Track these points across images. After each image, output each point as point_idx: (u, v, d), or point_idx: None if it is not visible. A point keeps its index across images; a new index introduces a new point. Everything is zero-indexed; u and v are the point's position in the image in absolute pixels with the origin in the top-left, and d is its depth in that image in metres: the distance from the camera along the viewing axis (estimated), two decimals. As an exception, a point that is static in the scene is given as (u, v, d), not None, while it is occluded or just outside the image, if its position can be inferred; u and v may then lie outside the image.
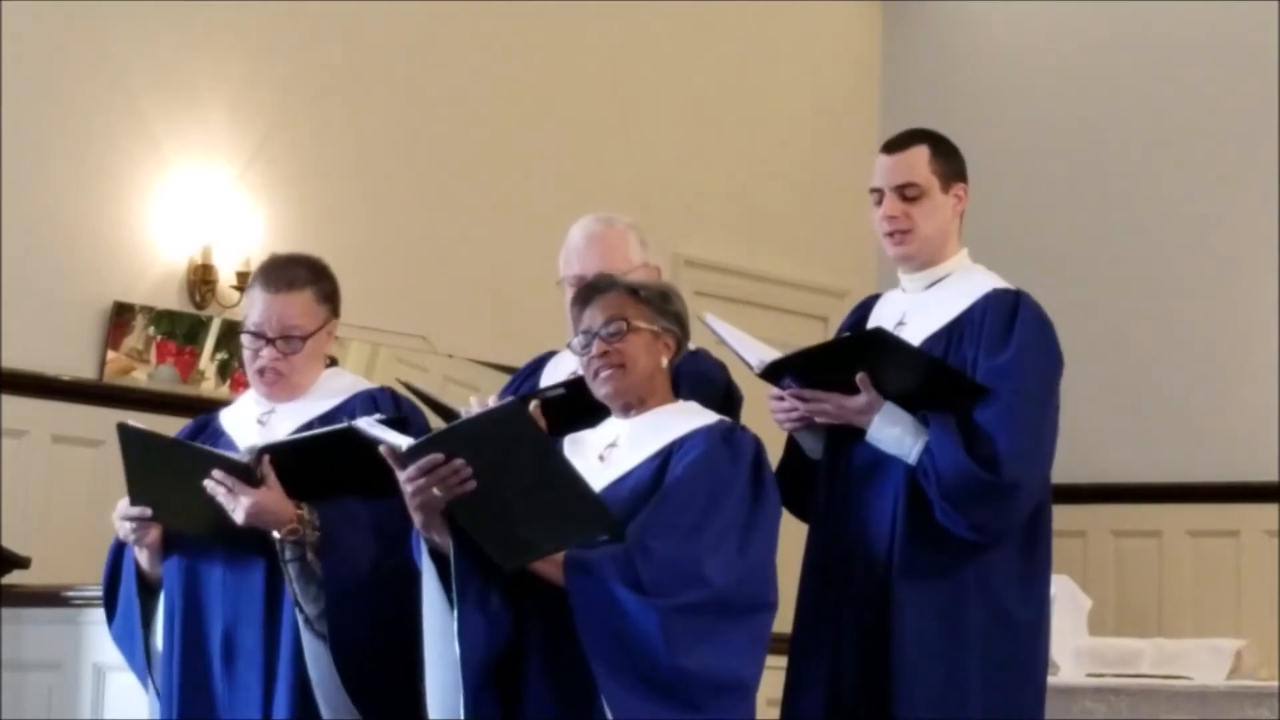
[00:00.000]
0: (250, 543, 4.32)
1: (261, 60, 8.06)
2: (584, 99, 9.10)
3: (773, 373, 4.42)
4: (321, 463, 4.27)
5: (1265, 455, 9.12)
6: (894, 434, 4.33)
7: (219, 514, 4.27)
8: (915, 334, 4.45)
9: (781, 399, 4.43)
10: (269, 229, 7.95)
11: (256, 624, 4.34)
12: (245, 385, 4.76)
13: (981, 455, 4.26)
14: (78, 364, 7.48)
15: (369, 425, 4.04)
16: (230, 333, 7.64)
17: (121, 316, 7.56)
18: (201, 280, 7.78)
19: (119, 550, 4.53)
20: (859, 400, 4.35)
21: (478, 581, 3.98)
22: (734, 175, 9.63)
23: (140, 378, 7.61)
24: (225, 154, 7.91)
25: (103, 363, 7.52)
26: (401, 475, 3.97)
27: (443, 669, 4.01)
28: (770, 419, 4.50)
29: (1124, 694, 6.73)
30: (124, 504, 4.42)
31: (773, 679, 4.32)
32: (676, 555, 3.94)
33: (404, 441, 3.96)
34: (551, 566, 3.96)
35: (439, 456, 3.92)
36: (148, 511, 4.38)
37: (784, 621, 4.27)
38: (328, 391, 4.53)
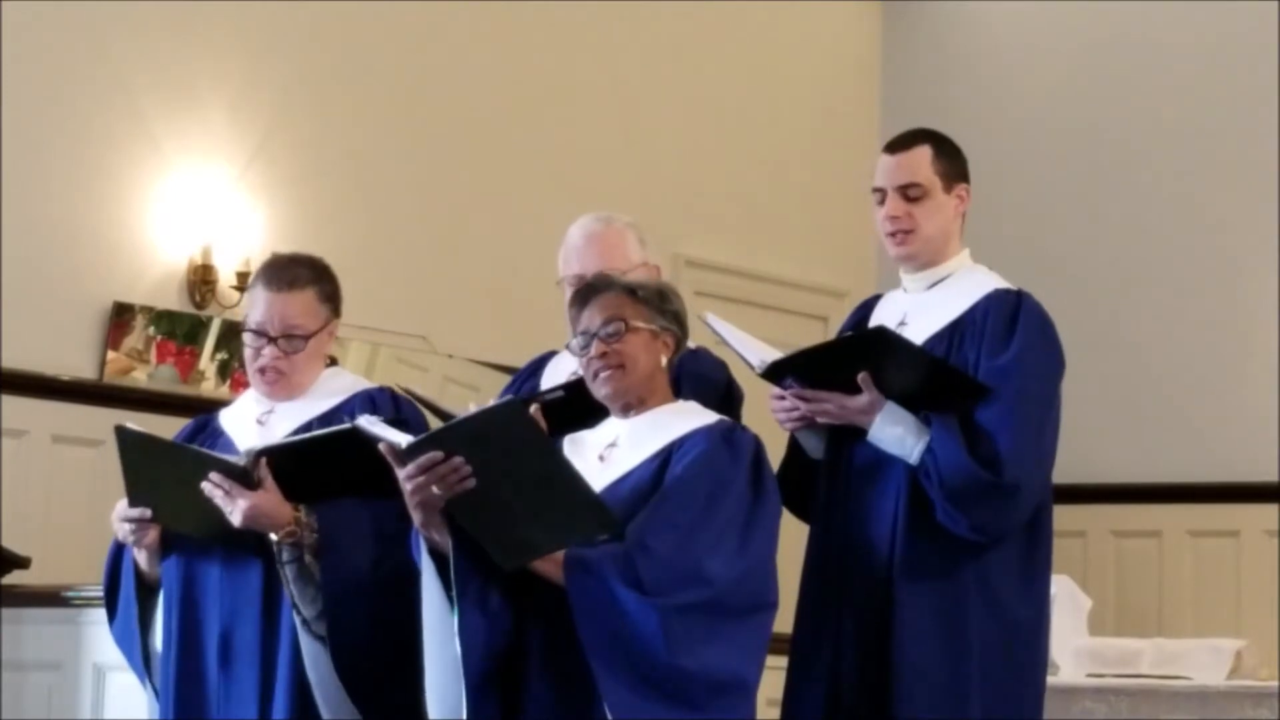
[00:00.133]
0: (248, 543, 4.32)
1: (261, 60, 8.06)
2: (584, 99, 9.10)
3: (774, 373, 4.42)
4: (320, 464, 4.27)
5: (1265, 455, 9.13)
6: (895, 433, 4.33)
7: (217, 516, 4.28)
8: (917, 334, 4.45)
9: (783, 399, 4.43)
10: (269, 229, 7.95)
11: (254, 624, 4.34)
12: (245, 385, 4.76)
13: (983, 455, 4.26)
14: (78, 364, 7.48)
15: (369, 423, 4.04)
16: (230, 333, 7.64)
17: (121, 316, 7.56)
18: (201, 280, 7.78)
19: (119, 551, 4.54)
20: (860, 400, 4.35)
21: (477, 580, 3.98)
22: (734, 175, 9.63)
23: (140, 378, 7.61)
24: (225, 154, 7.91)
25: (103, 363, 7.52)
26: (400, 473, 3.97)
27: (443, 668, 4.00)
28: (771, 418, 4.50)
29: (1124, 694, 6.73)
30: (122, 505, 4.42)
31: (773, 679, 4.32)
32: (676, 555, 3.94)
33: (403, 439, 3.96)
34: (551, 565, 3.96)
35: (438, 454, 3.92)
36: (147, 513, 4.38)
37: (784, 621, 4.27)
38: (328, 391, 4.53)
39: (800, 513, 4.54)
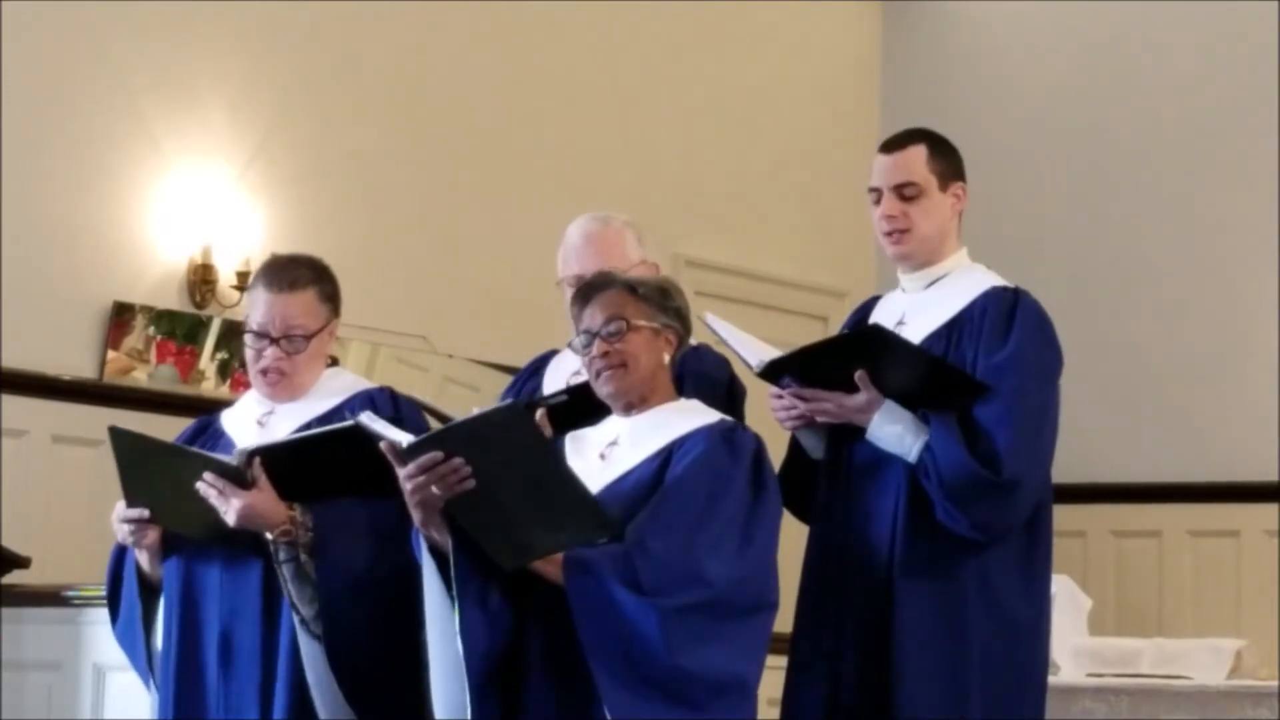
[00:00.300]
0: (247, 544, 4.32)
1: (261, 60, 8.06)
2: (584, 99, 9.10)
3: (772, 372, 4.42)
4: (316, 463, 4.27)
5: (1265, 455, 9.12)
6: (894, 431, 4.33)
7: (214, 516, 4.28)
8: (915, 333, 4.45)
9: (781, 398, 4.43)
10: (269, 229, 7.95)
11: (254, 624, 4.34)
12: (245, 385, 4.76)
13: (982, 453, 4.26)
14: (78, 364, 7.48)
15: (370, 421, 4.04)
16: (230, 333, 7.64)
17: (121, 316, 7.55)
18: (201, 280, 7.77)
19: (121, 552, 4.54)
20: (859, 398, 4.35)
21: (477, 579, 3.98)
22: (734, 175, 9.63)
23: (140, 378, 7.61)
24: (225, 154, 7.91)
25: (103, 363, 7.52)
26: (401, 472, 3.97)
27: (446, 667, 4.00)
28: (772, 417, 4.50)
29: (1124, 694, 6.73)
30: (121, 506, 4.43)
31: (773, 679, 4.32)
32: (676, 555, 3.93)
33: (404, 438, 3.96)
34: (551, 566, 3.96)
35: (438, 455, 3.92)
36: (145, 513, 4.38)
37: (784, 621, 4.27)
38: (328, 391, 4.53)
39: (800, 513, 4.54)
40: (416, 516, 4.00)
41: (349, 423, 4.20)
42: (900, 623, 4.31)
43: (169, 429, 4.80)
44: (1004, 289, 4.48)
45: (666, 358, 4.21)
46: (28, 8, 7.37)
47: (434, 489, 3.94)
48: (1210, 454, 9.35)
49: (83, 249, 7.51)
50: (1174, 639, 7.24)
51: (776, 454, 4.31)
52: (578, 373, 4.55)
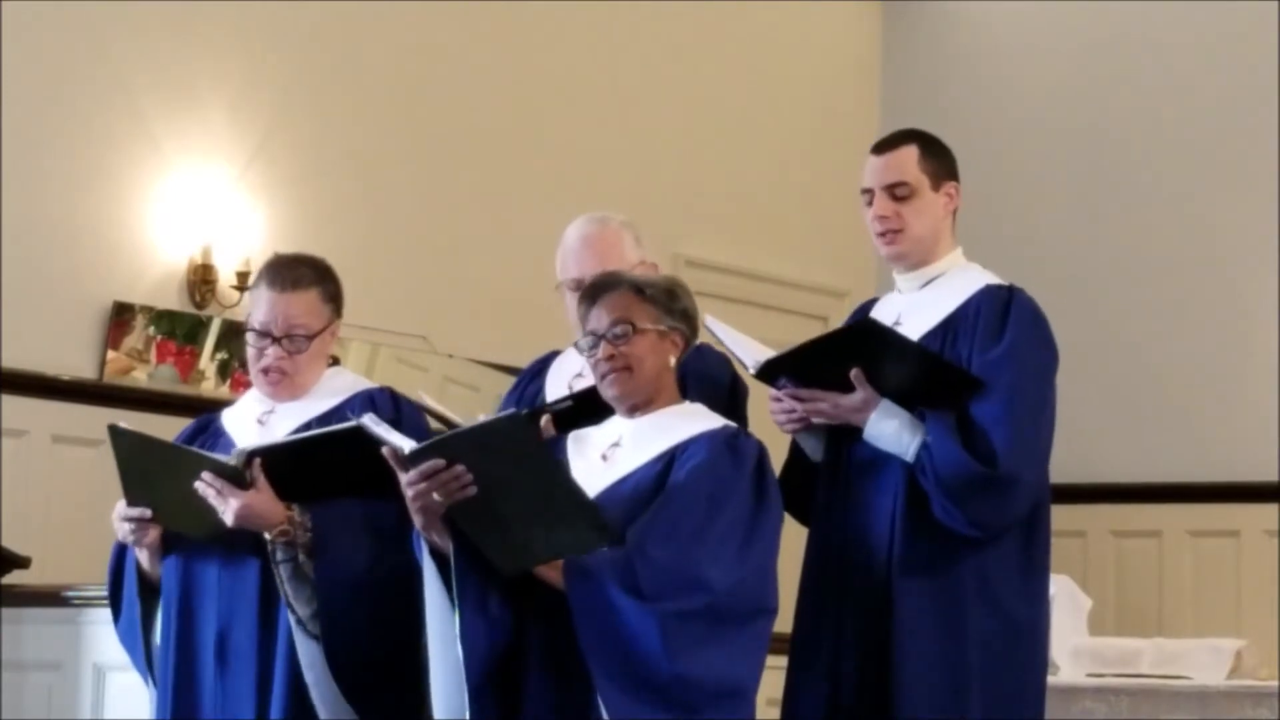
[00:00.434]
0: (247, 543, 4.32)
1: (261, 60, 8.06)
2: (583, 98, 9.10)
3: (768, 372, 4.43)
4: (316, 464, 4.27)
5: (1265, 455, 9.13)
6: (891, 428, 4.33)
7: (213, 516, 4.28)
8: (910, 333, 4.45)
9: (779, 401, 4.44)
10: (269, 229, 7.95)
11: (251, 624, 4.34)
12: (245, 385, 4.77)
13: (979, 450, 4.26)
14: (78, 364, 7.48)
15: (374, 423, 4.05)
16: (230, 333, 7.64)
17: (121, 316, 7.56)
18: (201, 280, 7.78)
19: (122, 550, 4.54)
20: (855, 398, 4.35)
21: (478, 583, 3.98)
22: (734, 175, 9.63)
23: (140, 378, 7.61)
24: (225, 154, 7.91)
25: (103, 363, 7.52)
26: (403, 478, 3.97)
27: (446, 669, 4.01)
28: (772, 421, 4.50)
29: (1124, 694, 6.73)
30: (122, 505, 4.43)
31: (773, 679, 4.32)
32: (677, 561, 3.93)
33: (407, 444, 3.97)
34: (552, 571, 3.96)
35: (440, 462, 3.92)
36: (146, 512, 4.38)
37: (784, 621, 4.27)
38: (329, 391, 4.53)
39: (801, 517, 4.53)
40: (418, 521, 4.00)
41: (348, 424, 4.20)
42: (900, 622, 4.31)
43: (169, 429, 4.80)
44: (998, 287, 4.49)
45: (672, 360, 4.20)
46: (28, 8, 7.38)
47: (436, 496, 3.94)
48: (1210, 454, 9.35)
49: (83, 249, 7.51)
50: (1174, 639, 7.24)
51: (777, 457, 4.31)
52: (580, 374, 4.55)
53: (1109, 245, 9.69)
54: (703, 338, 4.52)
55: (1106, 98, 9.77)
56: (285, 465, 4.27)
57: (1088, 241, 9.73)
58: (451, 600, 3.99)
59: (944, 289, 4.51)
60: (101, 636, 5.65)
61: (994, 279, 4.52)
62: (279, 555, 4.27)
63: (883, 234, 4.51)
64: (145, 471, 4.36)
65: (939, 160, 4.52)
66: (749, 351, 4.45)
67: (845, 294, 9.50)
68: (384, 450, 3.98)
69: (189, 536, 4.40)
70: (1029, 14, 10.05)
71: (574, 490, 3.97)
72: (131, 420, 4.45)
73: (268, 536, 4.27)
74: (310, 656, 4.26)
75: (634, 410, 4.19)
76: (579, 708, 3.95)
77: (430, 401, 4.73)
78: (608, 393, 4.19)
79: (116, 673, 5.66)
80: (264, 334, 4.46)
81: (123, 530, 4.44)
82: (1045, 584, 4.47)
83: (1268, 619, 8.83)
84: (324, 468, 4.26)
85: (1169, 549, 9.43)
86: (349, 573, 4.27)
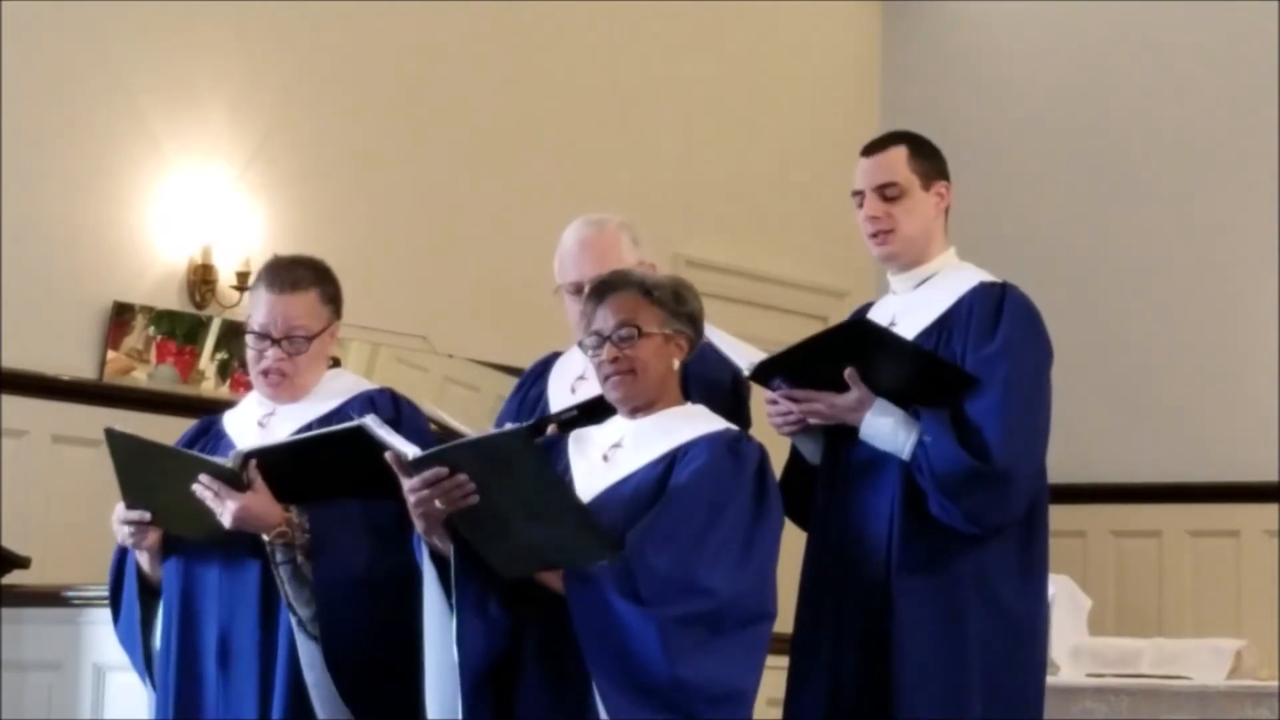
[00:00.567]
0: (246, 545, 4.32)
1: (261, 60, 8.06)
2: (583, 99, 9.10)
3: (762, 373, 4.43)
4: (314, 465, 4.27)
5: (1265, 455, 9.13)
6: (887, 425, 4.33)
7: (212, 518, 4.28)
8: (905, 333, 4.45)
9: (775, 403, 4.44)
10: (269, 229, 7.95)
11: (252, 626, 4.34)
12: (245, 386, 4.77)
13: (974, 445, 4.26)
14: (78, 364, 7.48)
15: (376, 426, 4.05)
16: (230, 333, 7.64)
17: (121, 316, 7.56)
18: (201, 280, 7.78)
19: (123, 552, 4.54)
20: (850, 397, 4.35)
21: (477, 588, 3.98)
22: (734, 175, 9.62)
23: (140, 378, 7.61)
24: (225, 154, 7.91)
25: (103, 363, 7.52)
26: (405, 484, 3.97)
27: (441, 671, 4.01)
28: (770, 425, 4.50)
29: (1124, 694, 6.72)
30: (121, 508, 4.43)
31: (773, 679, 4.32)
32: (676, 566, 3.93)
33: (409, 450, 3.97)
34: (552, 575, 3.96)
35: (443, 470, 3.92)
36: (146, 515, 4.38)
37: (784, 622, 4.27)
38: (329, 393, 4.53)
39: (801, 522, 4.53)
40: (420, 526, 4.00)
41: (346, 425, 4.20)
42: (899, 622, 4.31)
43: (169, 429, 4.80)
44: (991, 284, 4.49)
45: (677, 363, 4.19)
46: (28, 8, 7.38)
47: (438, 503, 3.94)
48: (1210, 454, 9.35)
49: (83, 249, 7.51)
50: (1174, 639, 7.24)
51: (777, 460, 4.30)
52: (582, 377, 4.54)
53: (1109, 245, 9.69)
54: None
55: (1106, 98, 9.77)
56: (283, 466, 4.26)
57: (1087, 241, 9.73)
58: (450, 604, 3.99)
59: (938, 288, 4.51)
60: (101, 636, 5.64)
61: (987, 276, 4.52)
62: (278, 557, 4.27)
63: (874, 235, 4.52)
64: (143, 474, 4.36)
65: (929, 160, 4.53)
66: (741, 354, 4.45)
67: (845, 294, 9.50)
68: (387, 455, 3.98)
69: (189, 539, 4.40)
70: (1029, 14, 10.05)
71: (576, 505, 3.97)
72: (131, 420, 4.47)
73: (266, 538, 4.27)
74: (311, 657, 4.26)
75: (636, 411, 4.18)
76: (573, 709, 3.95)
77: (431, 408, 4.72)
78: (611, 394, 4.18)
79: (116, 673, 5.66)
80: (264, 335, 4.46)
81: (122, 533, 4.44)
82: (1044, 583, 4.47)
83: (1268, 619, 8.82)
84: (322, 468, 4.26)
85: (1169, 549, 9.43)
86: (348, 573, 4.27)
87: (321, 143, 8.22)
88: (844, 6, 10.22)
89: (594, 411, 4.29)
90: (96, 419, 7.03)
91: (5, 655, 6.07)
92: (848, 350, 4.35)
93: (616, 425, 4.21)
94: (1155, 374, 9.53)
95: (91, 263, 7.52)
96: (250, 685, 4.32)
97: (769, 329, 8.17)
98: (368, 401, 4.48)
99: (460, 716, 3.96)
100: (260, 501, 4.25)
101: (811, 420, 4.42)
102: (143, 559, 4.47)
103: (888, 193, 4.49)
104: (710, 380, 4.47)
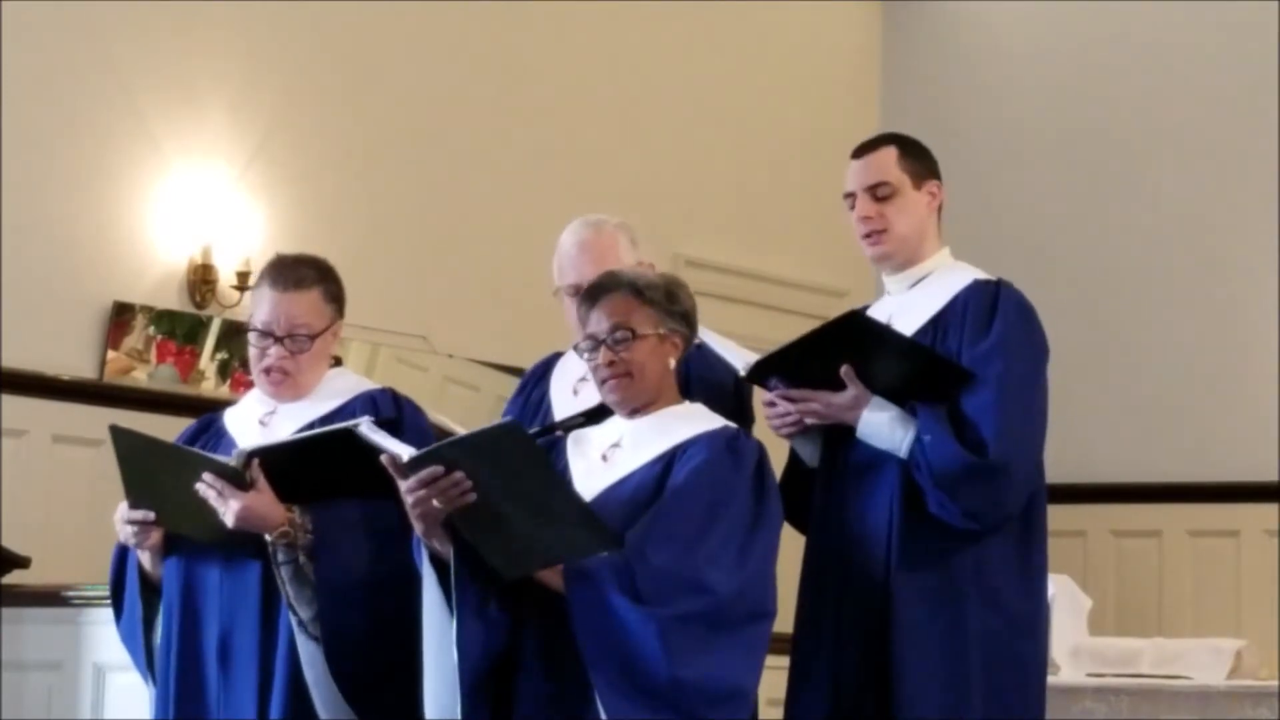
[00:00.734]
0: (247, 545, 4.32)
1: (261, 60, 8.06)
2: (584, 99, 9.10)
3: (758, 373, 4.43)
4: (316, 465, 4.27)
5: (1265, 455, 9.13)
6: (884, 424, 4.33)
7: (215, 517, 4.28)
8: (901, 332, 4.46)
9: (773, 405, 4.44)
10: (269, 229, 7.95)
11: (253, 625, 4.34)
12: (245, 385, 4.77)
13: (970, 441, 4.26)
14: (78, 364, 7.48)
15: (370, 431, 4.04)
16: (230, 333, 7.64)
17: (121, 316, 7.56)
18: (201, 280, 7.78)
19: (124, 550, 4.54)
20: (846, 395, 4.35)
21: (477, 589, 3.98)
22: (734, 175, 9.63)
23: (140, 378, 7.61)
24: (225, 154, 7.91)
25: (103, 363, 7.52)
26: (402, 485, 3.97)
27: (440, 672, 4.00)
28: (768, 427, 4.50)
29: (1124, 694, 6.72)
30: (124, 507, 4.43)
31: (774, 679, 4.32)
32: (676, 565, 3.93)
33: (404, 451, 3.96)
34: (552, 574, 3.96)
35: (439, 469, 3.92)
36: (150, 515, 4.38)
37: (784, 621, 4.27)
38: (331, 392, 4.53)
39: (800, 525, 4.52)
40: (419, 527, 4.00)
41: (336, 427, 4.20)
42: (898, 621, 4.31)
43: (169, 429, 4.80)
44: (985, 282, 4.50)
45: (672, 362, 4.19)
46: (28, 8, 7.38)
47: (435, 502, 3.94)
48: (1210, 454, 9.35)
49: (83, 249, 7.51)
50: (1174, 639, 7.24)
51: (777, 461, 4.30)
52: (584, 378, 4.54)
53: (1109, 245, 9.69)
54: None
55: (1106, 98, 9.77)
56: (285, 466, 4.26)
57: (1088, 241, 9.73)
58: (450, 607, 3.99)
59: (933, 287, 4.51)
60: (101, 636, 5.64)
61: (982, 274, 4.53)
62: (280, 557, 4.27)
63: (867, 235, 4.53)
64: (147, 472, 4.36)
65: (919, 160, 4.54)
66: (736, 355, 4.46)
67: (845, 294, 9.50)
68: (382, 458, 3.98)
69: (192, 539, 4.39)
70: (1029, 14, 10.05)
71: (572, 497, 3.97)
72: (131, 420, 4.47)
73: (268, 538, 4.27)
74: (311, 657, 4.26)
75: (634, 411, 4.18)
76: (571, 709, 3.94)
77: (436, 416, 4.72)
78: (609, 398, 4.18)
79: (116, 673, 5.66)
80: (266, 334, 4.46)
81: (125, 533, 4.44)
82: (1043, 581, 4.47)
83: (1268, 619, 8.83)
84: (324, 468, 4.26)
85: (1169, 549, 9.43)
86: (349, 574, 4.27)
87: (321, 143, 8.22)
88: (844, 6, 10.22)
89: (598, 417, 4.29)
90: (96, 419, 7.04)
91: (5, 655, 6.07)
92: (843, 346, 4.35)
93: (615, 425, 4.21)
94: (1155, 374, 9.53)
95: (91, 263, 7.52)
96: (250, 685, 4.32)
97: (769, 329, 8.16)
98: (369, 401, 4.48)
99: (459, 713, 3.95)
100: (263, 501, 4.25)
101: (809, 420, 4.41)
102: (144, 558, 4.47)
103: (879, 193, 4.50)
104: (713, 382, 4.48)
